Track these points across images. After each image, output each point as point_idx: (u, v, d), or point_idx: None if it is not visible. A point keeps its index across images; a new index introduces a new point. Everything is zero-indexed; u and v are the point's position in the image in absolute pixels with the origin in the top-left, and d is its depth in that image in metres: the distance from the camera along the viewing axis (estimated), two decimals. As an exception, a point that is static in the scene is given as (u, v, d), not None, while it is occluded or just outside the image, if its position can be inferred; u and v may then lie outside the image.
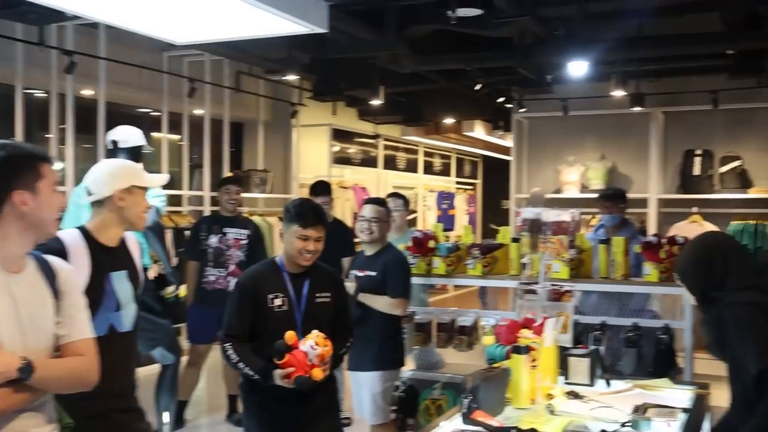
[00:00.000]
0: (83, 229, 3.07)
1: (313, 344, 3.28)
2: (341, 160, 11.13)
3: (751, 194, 8.35)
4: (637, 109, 8.30)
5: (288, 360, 3.28)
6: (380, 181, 12.26)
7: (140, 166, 3.24)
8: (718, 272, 2.99)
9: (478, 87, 8.24)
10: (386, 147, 12.36)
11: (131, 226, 3.17)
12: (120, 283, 3.07)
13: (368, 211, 4.59)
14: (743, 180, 8.50)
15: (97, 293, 2.94)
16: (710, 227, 8.34)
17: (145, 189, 3.15)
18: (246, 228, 6.11)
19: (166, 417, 5.09)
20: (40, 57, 6.45)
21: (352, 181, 11.29)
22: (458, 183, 15.26)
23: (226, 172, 8.58)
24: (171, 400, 5.21)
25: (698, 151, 8.64)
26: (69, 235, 3.01)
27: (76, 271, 2.85)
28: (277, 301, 3.49)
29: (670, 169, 8.97)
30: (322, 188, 6.20)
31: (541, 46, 7.31)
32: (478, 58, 7.79)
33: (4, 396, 2.05)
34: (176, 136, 8.45)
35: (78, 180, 5.66)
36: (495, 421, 2.90)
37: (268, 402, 3.49)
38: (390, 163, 12.62)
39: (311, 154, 10.34)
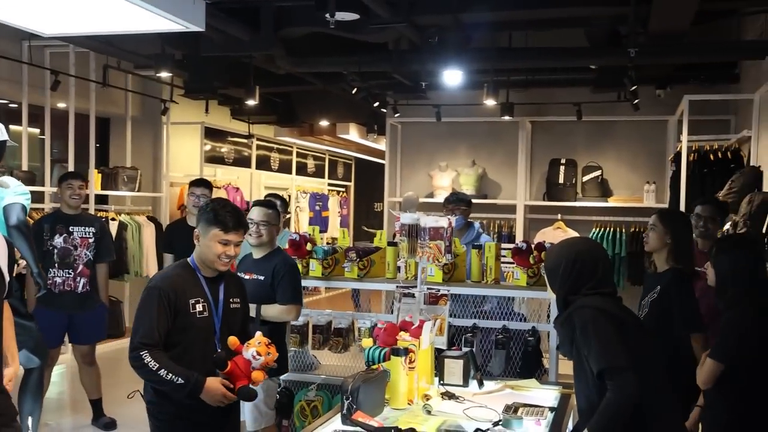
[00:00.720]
0: None
1: (255, 353, 3.23)
2: (213, 159, 10.94)
3: (611, 203, 8.83)
4: (507, 118, 8.55)
5: (231, 368, 3.21)
6: (253, 182, 12.16)
7: None
8: (585, 278, 3.05)
9: (354, 91, 8.28)
10: (259, 147, 12.24)
11: None
12: None
13: (256, 213, 4.51)
14: (603, 189, 8.96)
15: None
16: (573, 233, 8.73)
17: None
18: (92, 225, 5.90)
19: (30, 422, 4.88)
20: None
21: (225, 180, 11.12)
22: (331, 185, 15.30)
23: (92, 168, 8.27)
24: (36, 404, 5.00)
25: (563, 161, 9.02)
26: None
27: None
28: (199, 307, 3.36)
29: (537, 176, 9.33)
30: (202, 182, 6.12)
31: (416, 53, 7.45)
32: (355, 62, 7.83)
33: None
34: (36, 130, 8.07)
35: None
36: (374, 422, 2.94)
37: (187, 412, 3.31)
38: (263, 164, 12.51)
39: (182, 152, 10.11)
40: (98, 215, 7.54)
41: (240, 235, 3.42)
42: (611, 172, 9.05)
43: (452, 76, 7.51)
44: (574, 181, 8.98)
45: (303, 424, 5.09)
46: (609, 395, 2.80)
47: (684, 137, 6.71)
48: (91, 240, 5.79)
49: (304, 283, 5.43)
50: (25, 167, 7.49)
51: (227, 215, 3.35)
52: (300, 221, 13.12)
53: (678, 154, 6.93)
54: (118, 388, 6.83)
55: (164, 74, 7.56)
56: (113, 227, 8.04)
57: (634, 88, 7.07)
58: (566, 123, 8.97)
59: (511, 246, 5.41)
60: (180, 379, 3.14)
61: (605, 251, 3.48)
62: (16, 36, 7.05)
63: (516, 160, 9.23)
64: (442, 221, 4.33)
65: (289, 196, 13.35)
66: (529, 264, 5.08)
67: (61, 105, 8.07)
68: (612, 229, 8.62)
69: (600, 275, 3.08)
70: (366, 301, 7.63)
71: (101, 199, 8.80)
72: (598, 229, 8.69)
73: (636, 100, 7.69)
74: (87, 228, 5.80)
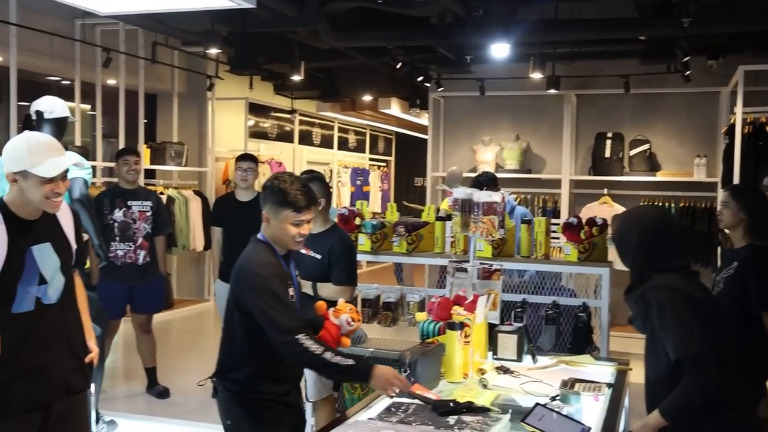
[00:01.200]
0: (1, 203, 2.96)
1: (350, 319, 3.22)
2: (257, 134, 11.04)
3: (659, 177, 8.66)
4: (552, 91, 8.45)
5: (322, 334, 3.17)
6: (295, 156, 12.23)
7: (52, 148, 2.99)
8: (659, 250, 2.96)
9: (398, 66, 8.27)
10: (302, 122, 12.32)
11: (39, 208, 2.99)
12: (43, 256, 2.97)
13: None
14: (651, 163, 8.80)
15: (16, 267, 2.88)
16: (620, 208, 8.66)
17: (44, 177, 2.89)
18: (149, 199, 6.04)
19: (93, 388, 5.04)
20: None
21: (268, 155, 11.21)
22: (372, 159, 15.34)
23: (141, 144, 8.40)
24: (98, 372, 5.15)
25: (609, 134, 8.87)
26: None
27: None
28: (291, 291, 3.20)
29: (582, 151, 9.23)
30: (249, 156, 6.18)
31: (461, 27, 7.41)
32: (399, 37, 7.83)
33: None
34: (88, 106, 8.21)
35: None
36: (432, 394, 2.96)
37: (281, 396, 3.20)
38: (305, 139, 12.59)
39: (227, 127, 10.22)
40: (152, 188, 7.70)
41: (312, 211, 3.20)
42: (659, 145, 8.90)
43: (499, 50, 7.47)
44: (620, 155, 8.85)
45: (352, 395, 5.15)
46: (687, 382, 2.78)
47: (738, 109, 6.59)
48: (148, 213, 5.93)
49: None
50: (78, 143, 7.63)
51: (297, 194, 3.11)
52: (341, 196, 13.19)
53: (732, 127, 6.82)
54: (169, 358, 7.06)
55: (213, 51, 7.63)
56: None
57: (686, 59, 6.95)
58: (613, 96, 8.84)
59: (560, 221, 5.39)
60: (350, 360, 2.93)
61: (677, 220, 3.38)
62: (69, 15, 7.18)
63: (561, 135, 9.12)
64: (496, 196, 4.32)
65: (331, 171, 13.43)
66: (580, 239, 5.05)
67: (111, 82, 8.19)
68: (660, 204, 8.50)
69: (674, 246, 3.00)
70: (409, 275, 7.67)
71: (149, 174, 8.96)
72: (646, 203, 8.58)
73: (687, 72, 7.54)
74: (144, 202, 5.94)
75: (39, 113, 4.68)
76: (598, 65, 8.75)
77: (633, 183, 8.78)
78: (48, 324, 2.97)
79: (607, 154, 8.87)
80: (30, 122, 4.79)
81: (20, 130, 6.86)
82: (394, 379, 2.89)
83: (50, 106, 4.69)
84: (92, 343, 3.31)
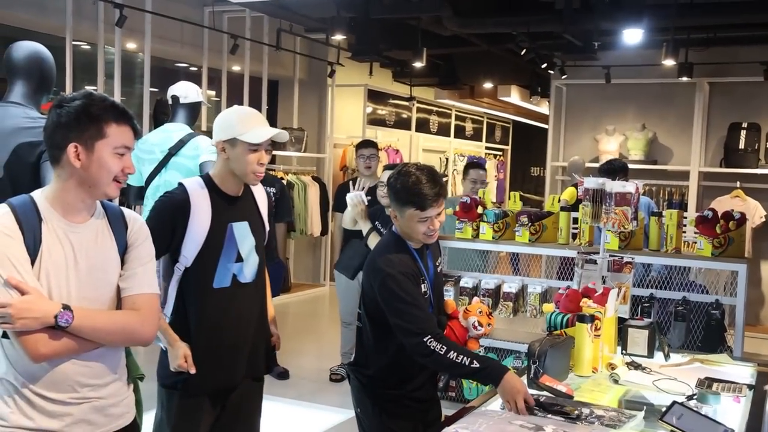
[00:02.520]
0: (207, 178, 2.99)
1: (477, 323, 3.10)
2: (375, 121, 11.10)
3: (798, 170, 8.28)
4: (684, 79, 8.16)
5: (446, 333, 3.08)
6: (412, 144, 12.25)
7: (259, 118, 3.02)
8: None
9: (522, 52, 8.14)
10: (419, 110, 12.30)
11: (242, 179, 3.00)
12: (241, 234, 3.01)
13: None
14: (789, 155, 8.43)
15: (217, 242, 2.92)
16: (753, 203, 8.30)
17: (254, 145, 2.91)
18: (273, 186, 6.15)
19: None
20: (88, 10, 6.47)
21: (385, 142, 11.27)
22: (488, 148, 15.19)
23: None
24: None
25: (744, 125, 8.48)
26: (192, 183, 2.97)
27: (197, 218, 2.90)
28: (423, 287, 3.09)
29: (713, 142, 8.87)
30: (370, 143, 6.21)
31: (589, 12, 7.22)
32: (524, 23, 7.69)
33: (44, 342, 2.05)
34: (213, 92, 8.46)
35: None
36: (562, 386, 2.89)
37: (410, 400, 3.13)
38: (422, 126, 12.57)
39: (345, 114, 10.34)
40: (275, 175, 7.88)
41: (441, 204, 3.01)
42: (798, 136, 8.47)
43: (631, 36, 7.24)
44: (756, 147, 8.44)
45: (470, 388, 5.14)
46: None
47: None
48: (272, 200, 6.03)
49: (474, 246, 5.47)
50: (203, 128, 7.89)
51: (421, 192, 2.94)
52: (456, 185, 13.13)
53: None
54: (285, 340, 7.18)
55: (338, 36, 7.72)
56: (280, 187, 8.37)
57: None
58: (750, 84, 8.44)
59: (693, 214, 5.19)
60: (476, 363, 2.82)
61: None
62: (199, 3, 7.41)
63: (690, 124, 8.79)
64: (629, 186, 4.17)
65: (447, 159, 13.40)
66: (716, 234, 4.85)
67: (236, 68, 8.41)
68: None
69: None
70: (525, 266, 7.57)
71: (270, 160, 9.15)
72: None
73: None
74: (268, 188, 6.06)
75: (174, 98, 4.77)
76: (734, 51, 8.39)
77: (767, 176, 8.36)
78: (242, 303, 2.99)
79: (741, 145, 8.49)
80: (162, 106, 4.94)
81: (152, 116, 7.16)
82: (521, 395, 2.71)
83: (185, 91, 4.77)
84: (273, 327, 3.32)
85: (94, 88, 6.65)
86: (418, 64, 8.03)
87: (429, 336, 2.83)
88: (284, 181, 8.64)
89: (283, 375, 6.22)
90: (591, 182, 4.17)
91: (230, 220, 2.97)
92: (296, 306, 9.13)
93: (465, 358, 2.82)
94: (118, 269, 2.29)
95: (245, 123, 2.91)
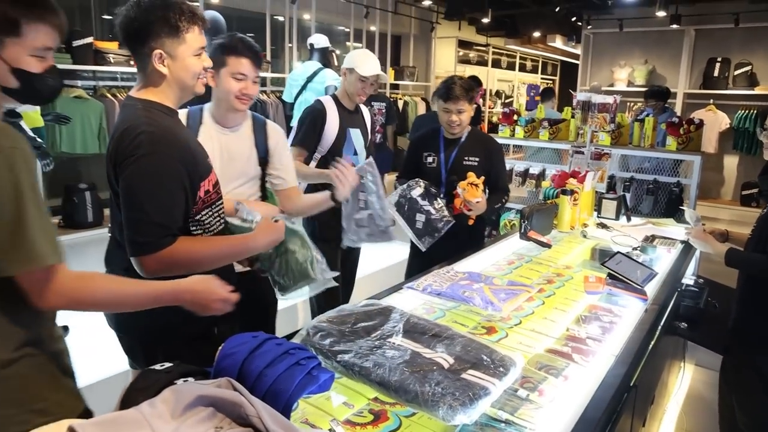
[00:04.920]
0: (334, 96, 2.86)
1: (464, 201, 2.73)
2: (463, 61, 10.84)
3: (757, 91, 7.54)
4: (674, 26, 7.52)
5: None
6: (489, 77, 11.90)
7: (372, 60, 2.78)
8: None
9: (557, 9, 7.67)
10: (494, 53, 11.86)
11: (352, 99, 2.82)
12: (356, 136, 2.88)
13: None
14: (751, 80, 7.65)
15: (341, 140, 2.81)
16: (721, 114, 7.72)
17: (363, 76, 2.74)
18: (383, 101, 6.00)
19: None
20: None
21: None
22: (542, 78, 14.48)
23: (388, 66, 8.62)
24: None
25: (719, 59, 7.79)
26: (326, 99, 2.86)
27: (330, 122, 2.75)
28: (429, 159, 2.87)
29: (696, 72, 8.17)
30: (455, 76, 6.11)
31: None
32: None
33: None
34: (359, 44, 8.50)
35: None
36: (545, 239, 2.71)
37: None
38: (496, 64, 12.15)
39: (443, 57, 10.14)
40: (390, 96, 7.93)
41: (459, 104, 2.67)
42: (760, 67, 7.65)
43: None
44: (726, 75, 7.76)
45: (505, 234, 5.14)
46: (763, 258, 2.01)
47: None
48: (383, 110, 5.99)
49: (510, 141, 5.41)
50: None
51: (447, 87, 2.68)
52: (521, 103, 12.70)
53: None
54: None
55: (426, 2, 7.44)
56: (400, 104, 8.42)
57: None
58: (724, 29, 7.65)
59: (668, 120, 4.95)
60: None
61: None
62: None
63: (680, 60, 8.13)
64: (609, 99, 4.07)
65: (513, 86, 12.94)
66: (679, 134, 4.66)
67: (372, 28, 8.37)
68: (755, 111, 7.45)
69: None
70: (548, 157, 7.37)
71: (394, 87, 9.21)
72: (743, 111, 7.55)
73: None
74: (381, 103, 6.07)
75: (311, 44, 4.60)
76: (714, 6, 7.57)
77: (735, 95, 7.69)
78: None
79: (716, 74, 7.81)
80: (309, 52, 4.89)
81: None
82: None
83: (318, 39, 4.60)
84: None
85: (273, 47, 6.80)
86: (486, 20, 7.76)
87: None
88: (401, 101, 8.72)
89: None
90: (581, 95, 4.08)
91: (349, 126, 2.85)
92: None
93: None
94: (256, 167, 2.05)
95: (362, 61, 2.77)
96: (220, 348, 1.08)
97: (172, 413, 0.82)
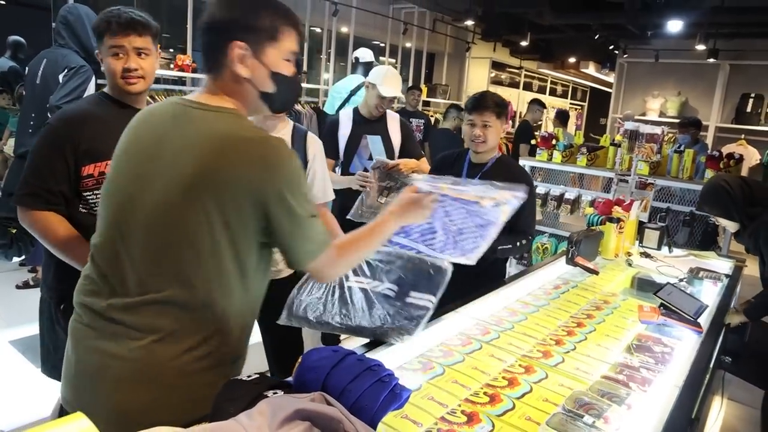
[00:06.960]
0: (356, 109, 2.92)
1: None
2: (495, 82, 10.85)
3: (788, 128, 7.45)
4: (711, 60, 7.44)
5: None
6: (520, 99, 11.88)
7: (395, 79, 2.82)
8: (738, 194, 2.39)
9: (596, 37, 7.65)
10: (526, 76, 11.86)
11: (369, 111, 2.84)
12: (373, 142, 2.89)
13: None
14: (784, 118, 7.57)
15: (352, 146, 2.86)
16: (752, 150, 7.59)
17: (380, 94, 2.78)
18: (422, 118, 6.05)
19: None
20: (320, 5, 6.57)
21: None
22: (571, 104, 14.43)
23: (422, 84, 8.66)
24: None
25: (752, 95, 7.70)
26: (345, 110, 2.95)
27: (341, 132, 2.83)
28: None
29: (728, 106, 8.09)
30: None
31: (647, 10, 6.67)
32: (599, 17, 7.23)
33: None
34: (393, 60, 8.57)
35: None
36: (591, 265, 2.65)
37: None
38: (527, 87, 12.14)
39: (476, 77, 10.16)
40: (425, 112, 7.95)
41: (485, 116, 2.25)
42: (794, 105, 7.56)
43: (673, 26, 6.63)
44: (759, 111, 7.66)
45: (537, 258, 5.10)
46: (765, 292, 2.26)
47: None
48: (421, 127, 5.99)
49: (547, 166, 5.34)
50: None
51: (473, 98, 2.33)
52: (548, 126, 12.64)
53: None
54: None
55: (468, 22, 7.50)
56: (431, 121, 8.43)
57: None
58: (759, 66, 7.57)
59: (707, 153, 4.86)
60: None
61: (737, 177, 2.57)
62: (386, 1, 7.40)
63: (713, 93, 8.04)
64: (657, 129, 4.02)
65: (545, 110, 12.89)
66: (719, 168, 4.56)
67: (407, 45, 8.41)
68: (785, 149, 7.31)
69: (754, 189, 2.45)
70: (583, 182, 7.33)
71: (425, 104, 9.23)
72: (774, 148, 7.42)
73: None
74: (420, 119, 6.12)
75: (356, 58, 4.66)
76: (750, 42, 7.50)
77: (766, 132, 7.58)
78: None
79: (748, 109, 7.71)
80: (354, 66, 4.92)
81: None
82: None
83: (363, 54, 4.66)
84: None
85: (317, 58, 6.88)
86: (524, 43, 7.76)
87: None
88: (433, 118, 8.74)
89: None
90: (629, 125, 4.03)
91: (365, 132, 2.87)
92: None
93: None
94: None
95: (385, 80, 2.78)
96: (299, 361, 1.07)
97: (269, 426, 0.81)
